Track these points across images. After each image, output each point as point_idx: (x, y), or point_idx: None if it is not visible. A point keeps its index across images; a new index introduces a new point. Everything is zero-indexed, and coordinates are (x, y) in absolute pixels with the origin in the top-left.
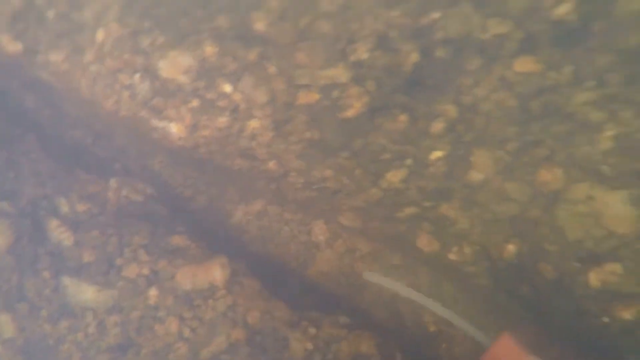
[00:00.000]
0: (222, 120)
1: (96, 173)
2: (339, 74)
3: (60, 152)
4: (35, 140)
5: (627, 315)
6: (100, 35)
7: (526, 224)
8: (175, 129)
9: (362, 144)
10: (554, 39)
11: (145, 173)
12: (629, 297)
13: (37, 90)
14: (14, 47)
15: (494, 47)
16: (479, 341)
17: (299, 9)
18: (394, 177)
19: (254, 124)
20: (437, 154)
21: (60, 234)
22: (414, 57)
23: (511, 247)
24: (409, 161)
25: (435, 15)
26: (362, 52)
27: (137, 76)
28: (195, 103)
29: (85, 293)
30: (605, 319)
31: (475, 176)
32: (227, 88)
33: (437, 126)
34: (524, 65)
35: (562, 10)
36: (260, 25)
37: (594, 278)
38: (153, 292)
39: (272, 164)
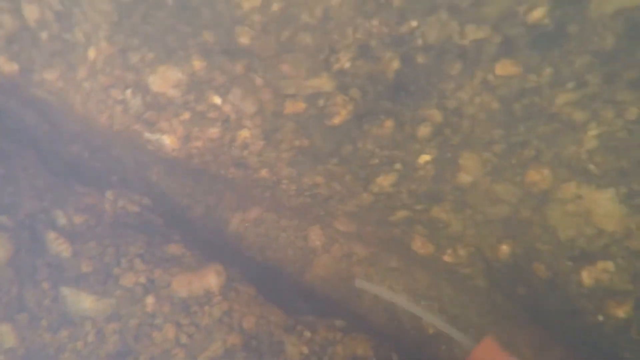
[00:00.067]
0: (214, 131)
1: (93, 185)
2: (324, 83)
3: (58, 167)
4: (33, 155)
5: (620, 313)
6: (91, 53)
7: (518, 224)
8: (168, 140)
9: (351, 150)
10: (531, 43)
11: (142, 184)
12: (621, 295)
13: (35, 108)
14: (10, 67)
15: (474, 52)
16: (464, 344)
17: (280, 22)
18: (384, 181)
19: (244, 133)
20: (425, 157)
21: (58, 246)
22: (396, 64)
23: (505, 248)
24: (398, 165)
25: (414, 23)
26: (344, 62)
27: (128, 91)
28: (186, 115)
29: (84, 302)
30: (600, 317)
31: (464, 178)
32: (217, 100)
33: (424, 130)
34: (505, 68)
35: (537, 14)
36: (244, 39)
37: (587, 276)
38: (150, 300)
39: (264, 172)
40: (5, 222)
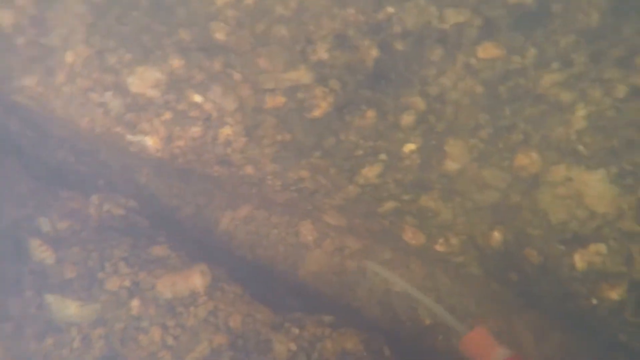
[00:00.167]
0: (196, 130)
1: (79, 190)
2: (302, 75)
3: (43, 173)
4: (17, 162)
5: (614, 295)
6: (69, 57)
7: (508, 210)
8: (150, 142)
9: (334, 143)
10: (514, 24)
11: (130, 187)
12: (614, 277)
13: (18, 115)
14: None
15: (455, 36)
16: (459, 331)
17: (254, 16)
18: (370, 172)
19: (226, 131)
20: (410, 146)
21: (41, 253)
22: (374, 52)
23: (497, 235)
24: (382, 156)
25: (390, 9)
26: (321, 52)
27: (108, 93)
28: (167, 115)
29: (68, 309)
30: (594, 301)
31: (451, 166)
32: (197, 98)
33: (407, 119)
34: (487, 51)
35: None
36: (219, 35)
37: (579, 260)
38: (135, 303)
39: (249, 169)
40: None
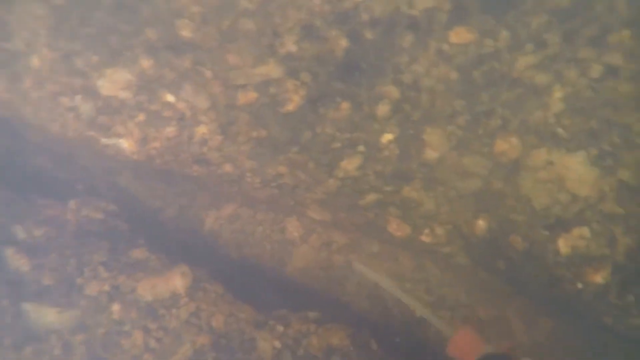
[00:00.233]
0: (170, 130)
1: (56, 196)
2: (271, 69)
3: (18, 180)
4: None
5: (598, 278)
6: (35, 61)
7: (491, 197)
8: (126, 144)
9: (310, 137)
10: (484, 6)
11: (110, 191)
12: (598, 260)
13: None
14: None
15: (425, 22)
16: (444, 332)
17: (219, 11)
18: (349, 165)
19: (201, 129)
20: (388, 136)
21: (17, 261)
22: (343, 42)
23: (481, 223)
24: (361, 147)
25: None
26: (290, 45)
27: (78, 97)
28: (141, 117)
29: (47, 316)
30: (579, 285)
31: (431, 154)
32: (170, 98)
33: (383, 109)
34: (459, 36)
35: None
36: (186, 32)
37: (564, 245)
38: (116, 307)
39: (227, 167)
40: None
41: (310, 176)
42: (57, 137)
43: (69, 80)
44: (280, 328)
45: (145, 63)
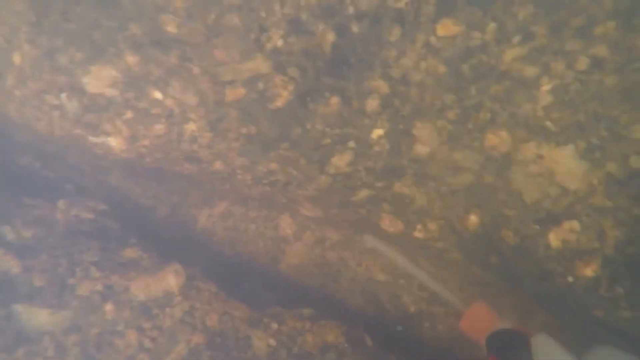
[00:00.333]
0: (159, 127)
1: (44, 196)
2: (259, 65)
3: (5, 181)
4: None
5: (589, 272)
6: (16, 58)
7: (483, 192)
8: (114, 142)
9: (300, 133)
10: None
11: (101, 190)
12: (588, 254)
13: None
14: None
15: (412, 15)
16: (458, 307)
17: (204, 5)
18: (340, 161)
19: (191, 126)
20: (378, 132)
21: (6, 262)
22: (331, 36)
23: (473, 218)
24: (351, 143)
25: None
26: (276, 40)
27: (63, 95)
28: (129, 114)
29: (38, 318)
30: (570, 279)
31: (421, 149)
32: (158, 95)
33: (372, 103)
34: (446, 28)
35: None
36: (171, 27)
37: (554, 238)
38: (109, 307)
39: (218, 164)
40: None
41: (301, 173)
42: (44, 136)
43: (52, 78)
44: (275, 326)
45: (131, 59)
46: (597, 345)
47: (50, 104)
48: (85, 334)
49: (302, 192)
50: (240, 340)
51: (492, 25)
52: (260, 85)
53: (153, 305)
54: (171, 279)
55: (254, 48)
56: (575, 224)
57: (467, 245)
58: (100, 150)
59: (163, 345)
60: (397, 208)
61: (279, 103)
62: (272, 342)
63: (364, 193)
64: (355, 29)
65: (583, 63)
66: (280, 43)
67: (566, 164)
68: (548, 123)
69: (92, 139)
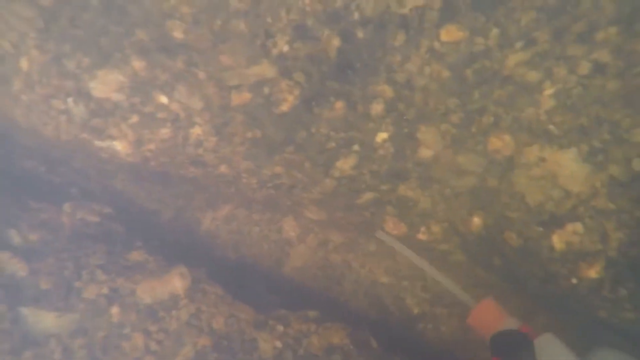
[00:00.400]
0: (165, 131)
1: (49, 200)
2: (265, 70)
3: (11, 185)
4: None
5: (592, 273)
6: (24, 64)
7: (486, 194)
8: (120, 147)
9: (305, 136)
10: (474, 3)
11: (106, 193)
12: (592, 255)
13: None
14: None
15: (416, 20)
16: (467, 303)
17: (210, 12)
18: (345, 164)
19: (196, 131)
20: (382, 135)
21: (13, 266)
22: (336, 42)
23: (476, 220)
24: (356, 147)
25: None
26: (282, 45)
27: (70, 100)
28: (135, 119)
29: (45, 320)
30: (574, 280)
31: (426, 153)
32: (164, 99)
33: (377, 108)
34: (450, 34)
35: None
36: (177, 33)
37: (558, 240)
38: (115, 310)
39: (223, 168)
40: None
41: (306, 176)
42: (50, 140)
43: (60, 83)
44: (281, 328)
45: (137, 64)
46: (598, 347)
47: (57, 108)
48: (92, 337)
49: (307, 195)
50: (246, 343)
51: (495, 31)
52: (266, 90)
53: (159, 308)
54: (177, 282)
55: (260, 53)
56: (578, 226)
57: (470, 247)
58: (106, 155)
59: (169, 348)
60: (401, 211)
61: (285, 107)
62: (278, 344)
63: (368, 196)
64: (360, 34)
65: (585, 68)
66: (286, 48)
67: (569, 167)
68: (551, 127)
69: (98, 143)
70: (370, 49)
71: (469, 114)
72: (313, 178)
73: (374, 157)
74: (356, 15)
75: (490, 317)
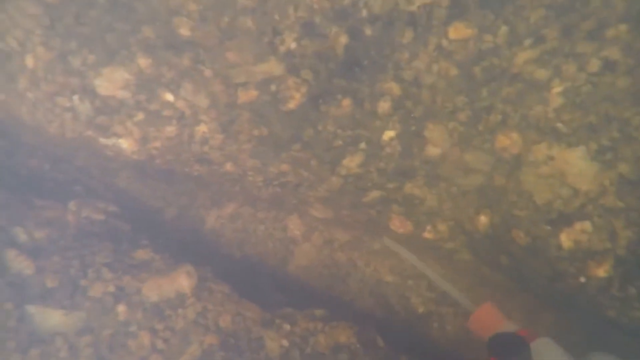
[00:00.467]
0: (171, 129)
1: (54, 198)
2: (272, 67)
3: (15, 182)
4: None
5: (601, 272)
6: (29, 61)
7: (493, 193)
8: (125, 144)
9: (312, 134)
10: (482, 1)
11: (109, 191)
12: (600, 254)
13: None
14: None
15: (424, 18)
16: (467, 308)
17: (218, 9)
18: (351, 162)
19: (202, 128)
20: (389, 133)
21: (19, 263)
22: (344, 39)
23: (483, 218)
24: (362, 145)
25: None
26: (290, 42)
27: (75, 97)
28: (140, 116)
29: (51, 319)
30: (582, 279)
31: (433, 151)
32: (169, 97)
33: (384, 105)
34: (458, 32)
35: None
36: (184, 30)
37: (566, 239)
38: (121, 308)
39: (229, 166)
40: None
41: (313, 174)
42: (55, 138)
43: (65, 80)
44: (287, 327)
45: (143, 62)
46: (593, 352)
47: (62, 106)
48: (98, 335)
49: (313, 193)
50: (253, 341)
51: (503, 29)
52: (273, 88)
53: (165, 307)
54: (183, 280)
55: (268, 51)
56: (587, 225)
57: (477, 246)
58: (111, 152)
59: (176, 346)
60: (407, 209)
61: (292, 105)
62: (285, 342)
63: (374, 194)
64: (368, 31)
65: (594, 65)
66: (293, 46)
67: (577, 165)
68: (559, 125)
69: (103, 140)
70: (378, 47)
71: (477, 111)
72: (319, 176)
73: (380, 155)
74: (364, 13)
75: (489, 320)
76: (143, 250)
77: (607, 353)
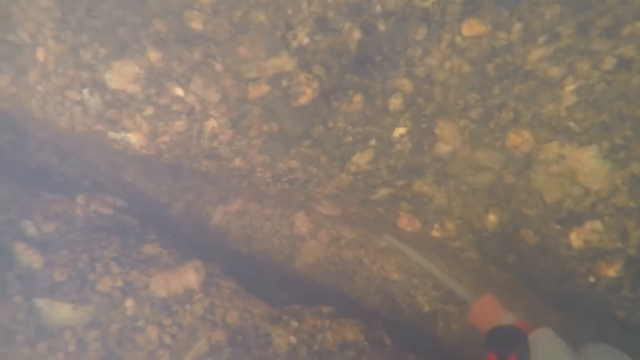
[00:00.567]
0: (180, 124)
1: (63, 192)
2: (284, 62)
3: (25, 176)
4: None
5: (611, 272)
6: (40, 54)
7: (503, 191)
8: (134, 138)
9: (322, 130)
10: None
11: (117, 186)
12: (610, 254)
13: None
14: None
15: (438, 14)
16: (468, 300)
17: (231, 2)
18: (361, 159)
19: (212, 123)
20: (400, 130)
21: (28, 257)
22: (357, 34)
23: (492, 217)
24: (373, 141)
25: None
26: (302, 37)
27: (85, 91)
28: (150, 110)
29: (60, 312)
30: (592, 279)
31: (443, 148)
32: (179, 91)
33: (395, 102)
34: (472, 28)
35: None
36: (196, 24)
37: (576, 238)
38: (129, 303)
39: (237, 162)
40: None
41: (322, 171)
42: (64, 131)
43: (76, 74)
44: (295, 323)
45: (154, 56)
46: (592, 342)
47: (72, 99)
48: (106, 330)
49: (322, 190)
50: (260, 338)
51: (518, 25)
52: (285, 83)
53: (173, 302)
54: (191, 276)
55: (280, 45)
56: (597, 224)
57: (484, 245)
58: (120, 147)
59: (183, 342)
60: (416, 207)
61: (303, 101)
62: (293, 339)
63: (383, 191)
64: (381, 27)
65: (609, 63)
66: (306, 41)
67: (589, 164)
68: (571, 123)
69: (112, 134)
70: (391, 42)
71: (489, 109)
72: (329, 173)
73: (390, 152)
74: (378, 8)
75: (489, 312)
76: (151, 245)
77: (605, 343)
